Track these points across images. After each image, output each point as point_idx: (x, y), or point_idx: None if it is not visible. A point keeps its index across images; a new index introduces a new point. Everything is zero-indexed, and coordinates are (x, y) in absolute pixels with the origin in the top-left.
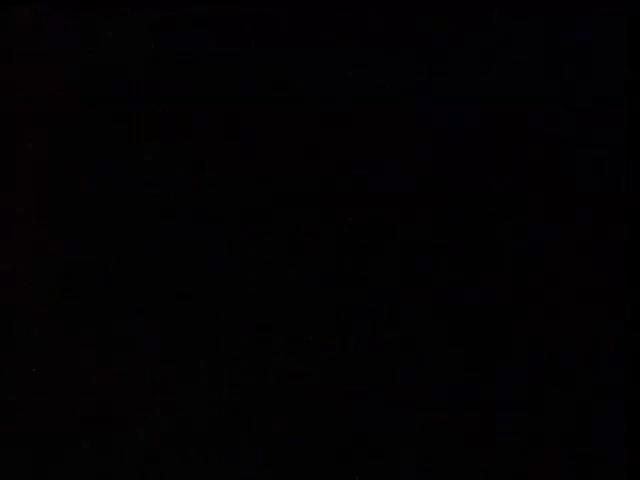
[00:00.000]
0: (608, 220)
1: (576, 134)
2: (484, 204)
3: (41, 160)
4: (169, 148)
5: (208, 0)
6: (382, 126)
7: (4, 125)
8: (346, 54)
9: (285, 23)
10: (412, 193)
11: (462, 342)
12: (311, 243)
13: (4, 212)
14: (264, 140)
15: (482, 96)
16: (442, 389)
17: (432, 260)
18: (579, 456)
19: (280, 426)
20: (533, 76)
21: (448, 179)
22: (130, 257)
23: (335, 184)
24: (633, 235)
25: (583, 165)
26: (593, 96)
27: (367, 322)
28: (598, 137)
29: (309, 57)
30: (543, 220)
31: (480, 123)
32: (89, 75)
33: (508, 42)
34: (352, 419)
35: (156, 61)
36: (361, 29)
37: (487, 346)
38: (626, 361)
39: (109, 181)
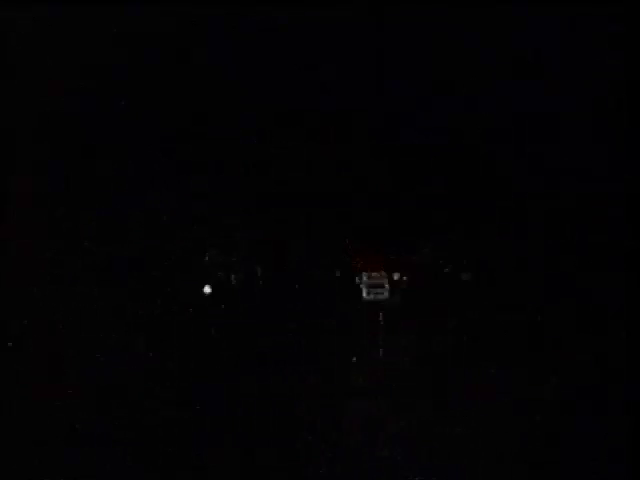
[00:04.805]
0: (608, 219)
1: (576, 134)
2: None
3: (41, 160)
4: (168, 147)
5: (209, 0)
6: None
7: (4, 125)
8: None
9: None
10: None
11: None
12: None
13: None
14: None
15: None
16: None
17: None
18: (580, 456)
19: None
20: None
21: None
22: None
23: None
24: (633, 235)
25: (583, 164)
26: (593, 96)
27: None
28: (598, 136)
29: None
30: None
31: (480, 124)
32: (88, 75)
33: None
34: None
35: (155, 61)
36: None
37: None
38: (626, 361)
39: (109, 180)
